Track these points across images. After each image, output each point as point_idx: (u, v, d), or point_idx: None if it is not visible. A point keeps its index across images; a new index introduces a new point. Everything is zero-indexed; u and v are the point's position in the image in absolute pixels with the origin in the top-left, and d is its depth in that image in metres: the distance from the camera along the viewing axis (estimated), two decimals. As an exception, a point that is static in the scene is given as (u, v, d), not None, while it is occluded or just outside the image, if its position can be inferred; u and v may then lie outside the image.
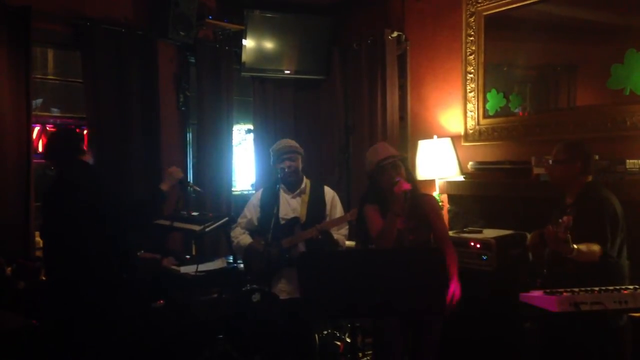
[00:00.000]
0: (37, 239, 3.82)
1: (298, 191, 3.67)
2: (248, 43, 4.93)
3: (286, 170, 3.57)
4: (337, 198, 3.76)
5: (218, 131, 4.85)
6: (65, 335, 3.02)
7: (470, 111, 4.33)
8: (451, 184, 4.25)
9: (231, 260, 3.97)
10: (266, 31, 4.99)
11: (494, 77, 4.24)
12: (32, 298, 3.31)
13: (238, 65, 4.98)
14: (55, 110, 4.49)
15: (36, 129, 4.11)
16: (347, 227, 3.72)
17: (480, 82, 4.27)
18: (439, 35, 4.57)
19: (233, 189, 5.11)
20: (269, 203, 3.60)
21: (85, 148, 3.17)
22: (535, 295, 2.45)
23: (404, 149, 4.62)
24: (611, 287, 2.44)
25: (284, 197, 3.65)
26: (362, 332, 3.82)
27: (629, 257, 2.83)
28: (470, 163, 4.15)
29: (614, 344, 2.75)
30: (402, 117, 4.83)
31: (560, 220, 2.46)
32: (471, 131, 4.34)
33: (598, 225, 2.68)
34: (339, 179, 5.18)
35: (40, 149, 4.18)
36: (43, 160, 4.20)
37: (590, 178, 2.92)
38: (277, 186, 3.60)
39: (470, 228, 3.88)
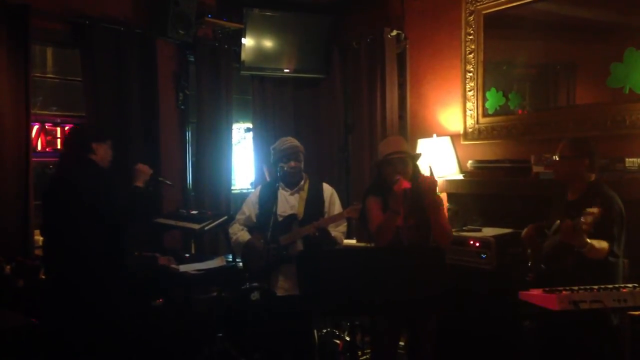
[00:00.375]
0: (37, 237, 3.83)
1: (297, 188, 3.67)
2: (247, 42, 4.93)
3: (290, 170, 3.57)
4: (335, 195, 3.75)
5: (217, 130, 4.84)
6: (64, 333, 3.02)
7: (470, 110, 4.34)
8: (450, 183, 4.25)
9: (230, 259, 3.98)
10: (265, 30, 4.99)
11: (494, 75, 4.24)
12: (32, 296, 3.31)
13: (237, 64, 4.98)
14: (54, 108, 4.48)
15: (35, 128, 4.11)
16: (345, 224, 3.70)
17: (480, 80, 4.27)
18: (438, 34, 4.57)
19: (232, 188, 5.10)
20: (268, 200, 3.59)
21: (95, 147, 3.15)
22: (535, 293, 2.46)
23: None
24: (610, 286, 2.45)
25: (283, 194, 3.65)
26: (361, 331, 3.83)
27: (626, 255, 2.84)
28: (470, 161, 4.15)
29: (612, 342, 2.76)
30: (402, 116, 4.83)
31: (588, 211, 2.42)
32: (470, 130, 4.34)
33: (606, 223, 2.65)
34: (338, 177, 5.17)
35: (39, 147, 4.18)
36: (42, 159, 4.23)
37: (594, 176, 2.91)
38: (277, 184, 3.59)
39: (469, 226, 3.88)
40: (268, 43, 5.04)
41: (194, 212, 4.13)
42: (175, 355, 3.73)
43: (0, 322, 3.08)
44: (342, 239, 3.69)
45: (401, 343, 3.42)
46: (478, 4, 4.25)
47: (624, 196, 2.89)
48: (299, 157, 3.61)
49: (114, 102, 4.27)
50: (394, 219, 2.95)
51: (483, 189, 4.05)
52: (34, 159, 3.90)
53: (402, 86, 4.82)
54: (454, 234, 3.65)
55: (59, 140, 4.28)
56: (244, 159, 5.43)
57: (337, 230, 3.63)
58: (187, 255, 4.15)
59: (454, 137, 4.33)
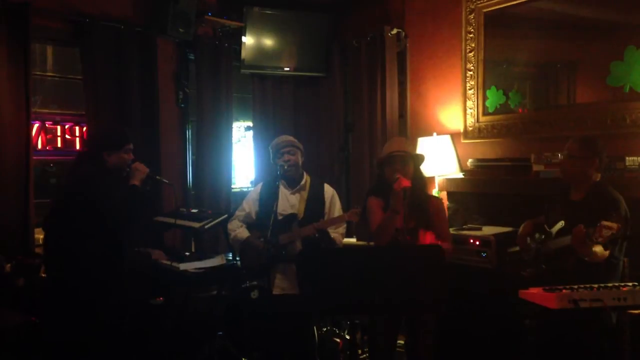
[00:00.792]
0: (37, 235, 3.83)
1: (298, 187, 3.67)
2: (247, 40, 4.93)
3: (285, 165, 3.56)
4: (336, 197, 3.75)
5: (217, 128, 4.84)
6: (64, 332, 3.02)
7: (470, 108, 4.33)
8: (450, 181, 4.24)
9: (230, 257, 3.98)
10: (266, 28, 4.99)
11: (494, 74, 4.24)
12: (32, 295, 3.31)
13: (237, 62, 4.97)
14: (54, 107, 4.48)
15: (35, 126, 4.11)
16: (344, 226, 3.72)
17: (480, 79, 4.27)
18: (438, 33, 4.57)
19: (232, 186, 5.11)
20: (268, 198, 3.59)
21: (106, 156, 3.14)
22: (535, 292, 2.46)
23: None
24: (610, 284, 2.45)
25: (284, 192, 3.65)
26: (361, 329, 3.83)
27: (626, 254, 2.84)
28: (470, 160, 4.15)
29: (612, 341, 2.76)
30: (402, 115, 4.83)
31: (606, 224, 2.36)
32: (471, 128, 4.34)
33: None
34: (338, 176, 5.17)
35: (39, 145, 4.19)
36: (42, 157, 4.23)
37: (599, 176, 2.89)
38: (277, 182, 3.59)
39: (469, 225, 3.88)
40: (268, 41, 5.03)
41: (194, 210, 4.14)
42: (176, 353, 3.73)
43: (0, 321, 3.08)
44: (341, 241, 3.71)
45: (401, 342, 3.42)
46: (478, 2, 4.24)
47: (624, 195, 2.89)
48: (292, 151, 3.60)
49: (114, 100, 4.27)
50: (394, 218, 2.95)
51: (483, 187, 4.04)
52: (34, 158, 3.90)
53: (402, 85, 4.82)
54: (454, 232, 3.66)
55: (59, 139, 4.29)
56: (244, 158, 5.43)
57: (336, 232, 3.64)
58: (187, 253, 4.15)
59: (454, 136, 4.33)
